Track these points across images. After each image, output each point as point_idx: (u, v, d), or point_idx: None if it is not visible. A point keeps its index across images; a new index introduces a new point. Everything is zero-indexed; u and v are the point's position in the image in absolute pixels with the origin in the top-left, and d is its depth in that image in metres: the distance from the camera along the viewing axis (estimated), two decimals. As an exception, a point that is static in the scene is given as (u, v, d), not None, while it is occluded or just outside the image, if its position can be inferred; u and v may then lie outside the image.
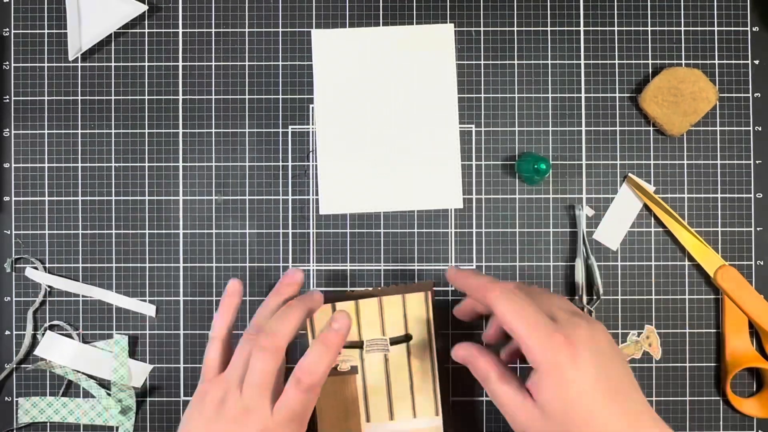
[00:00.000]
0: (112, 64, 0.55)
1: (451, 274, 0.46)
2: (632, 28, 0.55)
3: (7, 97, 0.55)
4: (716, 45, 0.54)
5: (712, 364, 0.54)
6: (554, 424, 0.39)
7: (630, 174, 0.54)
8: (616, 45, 0.55)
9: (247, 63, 0.54)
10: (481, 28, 0.55)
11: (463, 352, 0.44)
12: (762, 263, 0.54)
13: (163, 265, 0.54)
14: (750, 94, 0.54)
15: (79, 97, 0.55)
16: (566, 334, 0.40)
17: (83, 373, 0.53)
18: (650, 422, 0.40)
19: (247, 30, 0.55)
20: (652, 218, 0.54)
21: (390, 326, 0.51)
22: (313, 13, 0.55)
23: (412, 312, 0.51)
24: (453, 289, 0.54)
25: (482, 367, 0.43)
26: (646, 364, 0.54)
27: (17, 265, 0.54)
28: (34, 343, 0.54)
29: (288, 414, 0.43)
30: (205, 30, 0.55)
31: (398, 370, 0.51)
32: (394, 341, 0.51)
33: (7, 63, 0.55)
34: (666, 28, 0.55)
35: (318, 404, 0.51)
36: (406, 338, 0.51)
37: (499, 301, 0.41)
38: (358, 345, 0.51)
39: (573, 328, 0.40)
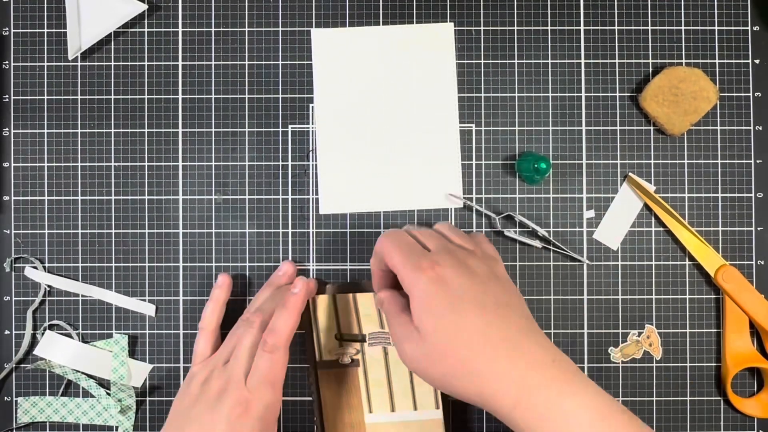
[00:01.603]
0: (112, 63, 0.55)
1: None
2: (632, 28, 0.55)
3: (7, 96, 0.55)
4: (716, 44, 0.54)
5: (713, 364, 0.54)
6: (429, 347, 0.41)
7: (630, 173, 0.54)
8: (616, 45, 0.55)
9: (246, 62, 0.54)
10: (481, 28, 0.55)
11: (379, 296, 0.46)
12: (762, 263, 0.54)
13: (163, 264, 0.54)
14: (750, 94, 0.54)
15: (79, 97, 0.55)
16: (434, 258, 0.42)
17: (83, 373, 0.53)
18: (522, 327, 0.41)
19: (246, 29, 0.55)
20: (653, 218, 0.54)
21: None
22: (313, 12, 0.55)
23: None
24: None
25: (386, 304, 0.45)
26: (646, 364, 0.54)
27: (17, 265, 0.54)
28: (34, 342, 0.54)
29: (259, 377, 0.46)
30: (204, 29, 0.55)
31: (398, 363, 0.52)
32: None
33: (7, 62, 0.55)
34: (666, 28, 0.55)
35: (322, 396, 0.52)
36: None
37: (381, 239, 0.45)
38: (360, 338, 0.52)
39: (443, 254, 0.42)
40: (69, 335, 0.54)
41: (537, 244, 0.53)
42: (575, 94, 0.54)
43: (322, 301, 0.52)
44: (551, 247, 0.54)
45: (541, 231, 0.53)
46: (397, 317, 0.43)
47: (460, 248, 0.44)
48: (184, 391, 0.47)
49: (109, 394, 0.54)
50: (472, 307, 0.41)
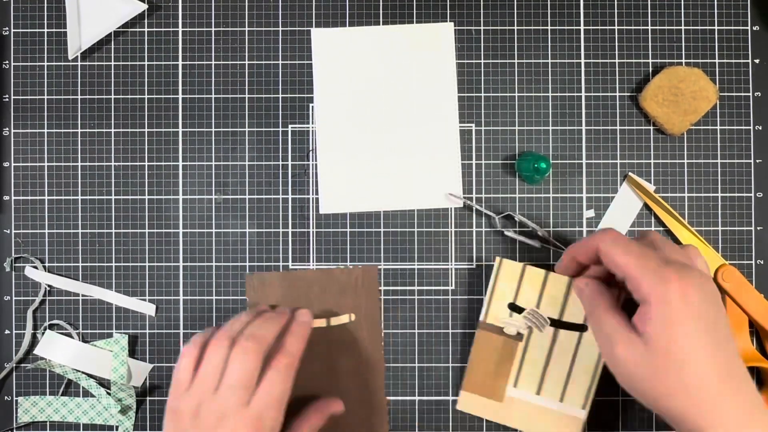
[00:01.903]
0: (112, 63, 0.55)
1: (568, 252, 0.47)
2: (632, 28, 0.55)
3: (7, 96, 0.55)
4: (716, 44, 0.54)
5: (713, 364, 0.54)
6: (654, 358, 0.39)
7: (630, 173, 0.54)
8: (616, 45, 0.55)
9: (246, 62, 0.54)
10: (481, 28, 0.55)
11: (579, 283, 0.46)
12: (762, 262, 0.54)
13: (163, 264, 0.54)
14: (750, 93, 0.54)
15: (79, 96, 0.55)
16: (678, 271, 0.40)
17: (83, 373, 0.53)
18: (741, 364, 0.40)
19: (246, 29, 0.55)
20: (653, 217, 0.54)
21: (570, 311, 0.51)
22: (313, 12, 0.55)
23: None
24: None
25: (590, 295, 0.44)
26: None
27: (17, 264, 0.54)
28: (34, 342, 0.54)
29: (269, 399, 0.44)
30: (204, 29, 0.55)
31: (563, 353, 0.51)
32: (569, 326, 0.51)
33: (7, 62, 0.55)
34: (666, 28, 0.55)
35: (472, 356, 0.52)
36: (581, 328, 0.51)
37: (606, 242, 0.42)
38: (520, 310, 0.52)
39: (685, 270, 0.40)
40: (69, 335, 0.54)
41: (536, 243, 0.53)
42: (575, 94, 0.54)
43: (508, 267, 0.52)
44: (551, 246, 0.54)
45: (541, 231, 0.53)
46: (608, 315, 0.42)
47: (688, 265, 0.42)
48: (172, 421, 0.45)
49: (109, 393, 0.54)
50: (707, 330, 0.39)
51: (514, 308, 0.52)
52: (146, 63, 0.55)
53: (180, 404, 0.45)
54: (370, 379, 0.53)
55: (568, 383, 0.51)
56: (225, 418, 0.43)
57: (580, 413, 0.51)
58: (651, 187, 0.54)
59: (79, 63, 0.55)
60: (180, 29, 0.55)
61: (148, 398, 0.54)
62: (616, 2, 0.55)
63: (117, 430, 0.54)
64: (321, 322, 0.53)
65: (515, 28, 0.55)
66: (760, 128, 0.54)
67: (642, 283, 0.40)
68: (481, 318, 0.52)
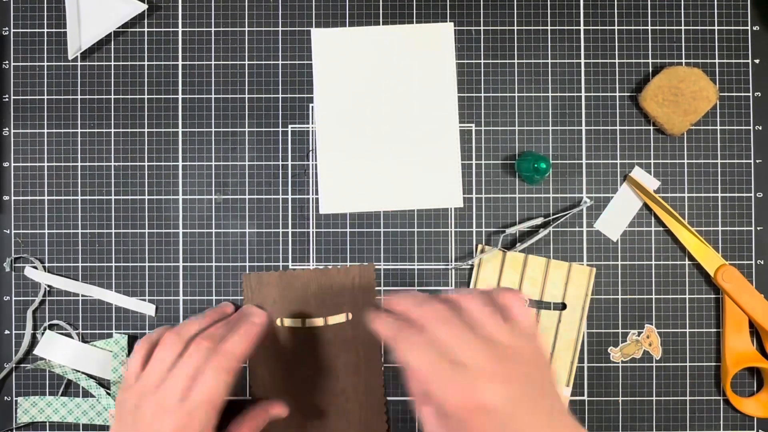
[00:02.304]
0: (112, 63, 0.55)
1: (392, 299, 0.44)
2: (632, 28, 0.55)
3: (7, 96, 0.55)
4: (716, 44, 0.54)
5: (713, 364, 0.54)
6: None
7: (630, 174, 0.54)
8: (616, 45, 0.55)
9: (246, 62, 0.54)
10: (481, 28, 0.55)
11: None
12: (762, 262, 0.54)
13: (163, 264, 0.54)
14: (750, 94, 0.54)
15: (79, 97, 0.55)
16: (474, 390, 0.37)
17: (83, 373, 0.53)
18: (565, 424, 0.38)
19: (246, 29, 0.55)
20: (653, 217, 0.54)
21: (549, 290, 0.53)
22: (313, 12, 0.55)
23: (573, 284, 0.53)
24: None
25: (409, 380, 0.42)
26: (646, 364, 0.54)
27: (17, 265, 0.54)
28: (34, 342, 0.54)
29: (203, 398, 0.44)
30: (204, 29, 0.55)
31: (545, 333, 0.53)
32: (548, 306, 0.53)
33: (7, 62, 0.55)
34: (666, 28, 0.55)
35: None
36: (562, 307, 0.53)
37: (409, 361, 0.39)
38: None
39: (484, 379, 0.38)
40: (69, 335, 0.54)
41: (542, 232, 0.53)
42: (575, 94, 0.54)
43: (489, 253, 0.53)
44: (551, 221, 0.53)
45: (536, 222, 0.53)
46: (424, 401, 0.40)
47: (488, 346, 0.39)
48: (117, 424, 0.45)
49: (109, 394, 0.54)
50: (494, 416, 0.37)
51: None
52: (146, 63, 0.55)
53: (125, 397, 0.46)
54: (368, 378, 0.53)
55: (551, 361, 0.53)
56: (162, 412, 0.44)
57: (565, 390, 0.53)
58: (655, 184, 0.54)
59: (79, 63, 0.55)
60: (180, 29, 0.55)
61: (148, 398, 0.54)
62: (616, 2, 0.55)
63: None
64: (319, 321, 0.53)
65: (515, 28, 0.55)
66: (760, 128, 0.54)
67: (444, 407, 0.38)
68: None
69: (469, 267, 0.54)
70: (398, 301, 0.43)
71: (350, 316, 0.53)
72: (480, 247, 0.53)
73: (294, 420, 0.53)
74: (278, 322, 0.53)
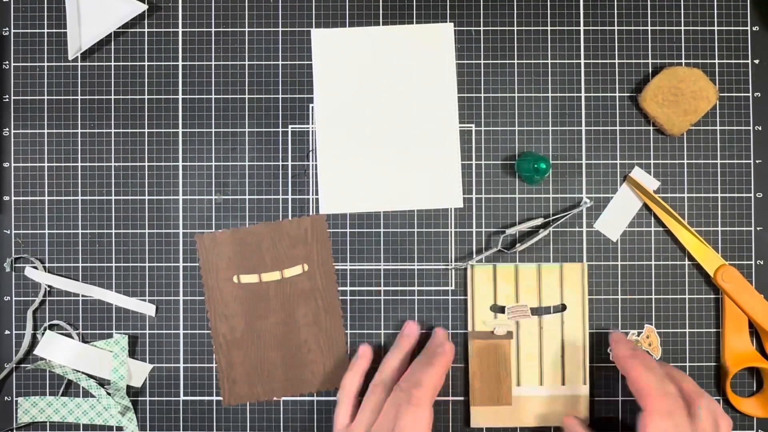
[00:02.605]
0: (112, 63, 0.55)
1: (615, 340, 0.51)
2: (632, 28, 0.55)
3: (7, 96, 0.55)
4: (716, 44, 0.54)
5: (712, 364, 0.54)
6: None
7: (630, 174, 0.54)
8: (616, 45, 0.55)
9: (246, 62, 0.54)
10: (481, 28, 0.55)
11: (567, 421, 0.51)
12: (762, 263, 0.54)
13: (163, 264, 0.54)
14: (750, 94, 0.54)
15: (79, 97, 0.55)
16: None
17: (83, 373, 0.53)
18: None
19: (246, 29, 0.55)
20: (652, 218, 0.54)
21: (546, 294, 0.53)
22: (313, 12, 0.55)
23: (569, 283, 0.53)
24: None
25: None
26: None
27: (17, 265, 0.54)
28: (34, 342, 0.54)
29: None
30: (204, 29, 0.55)
31: (552, 338, 0.53)
32: (548, 310, 0.53)
33: (7, 63, 0.55)
34: (666, 28, 0.55)
35: (472, 369, 0.53)
36: (562, 308, 0.53)
37: (637, 367, 0.47)
38: (502, 309, 0.53)
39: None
40: (69, 335, 0.54)
41: (542, 233, 0.53)
42: (575, 94, 0.54)
43: (480, 271, 0.53)
44: (551, 221, 0.53)
45: (536, 222, 0.53)
46: None
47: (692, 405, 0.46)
48: None
49: (109, 393, 0.54)
50: None
51: (497, 309, 0.53)
52: (146, 63, 0.55)
53: None
54: (329, 328, 0.54)
55: (564, 365, 0.53)
56: None
57: (584, 389, 0.53)
58: (655, 184, 0.54)
59: (79, 63, 0.55)
60: (180, 29, 0.55)
61: (148, 398, 0.54)
62: (616, 2, 0.55)
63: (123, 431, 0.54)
64: (275, 275, 0.53)
65: (515, 28, 0.55)
66: (760, 128, 0.54)
67: (650, 418, 0.45)
68: (469, 329, 0.53)
69: (469, 266, 0.54)
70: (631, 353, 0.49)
71: (306, 267, 0.53)
72: (470, 268, 0.53)
73: (258, 375, 0.53)
74: (234, 279, 0.53)
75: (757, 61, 0.54)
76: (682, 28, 0.55)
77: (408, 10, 0.55)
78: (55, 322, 0.54)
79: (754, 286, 0.54)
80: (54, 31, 0.55)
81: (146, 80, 0.55)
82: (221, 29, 0.55)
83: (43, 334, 0.54)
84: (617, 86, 0.54)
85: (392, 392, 0.47)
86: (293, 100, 0.55)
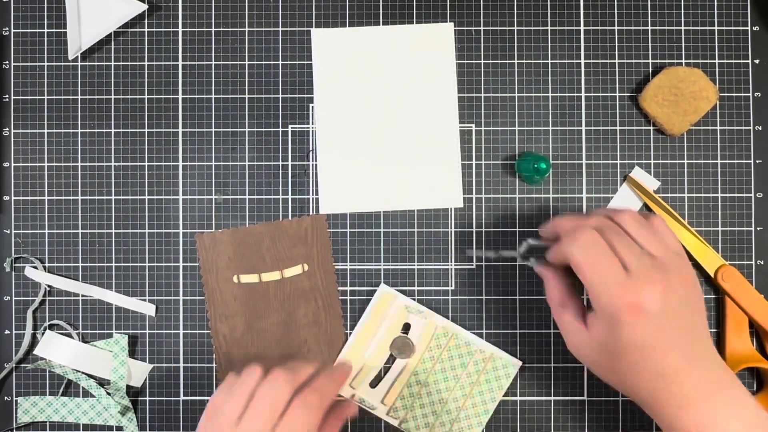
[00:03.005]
0: (112, 63, 0.55)
1: (551, 224, 0.48)
2: (632, 28, 0.55)
3: (7, 96, 0.55)
4: (716, 44, 0.54)
5: (713, 364, 0.54)
6: (605, 357, 0.43)
7: (630, 174, 0.54)
8: (616, 45, 0.55)
9: (246, 62, 0.54)
10: (481, 28, 0.55)
11: (540, 268, 0.48)
12: (762, 263, 0.54)
13: (163, 264, 0.54)
14: (750, 94, 0.54)
15: (79, 97, 0.55)
16: (634, 290, 0.41)
17: (83, 373, 0.53)
18: (713, 369, 0.42)
19: (246, 29, 0.55)
20: (653, 218, 0.54)
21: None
22: (313, 12, 0.55)
23: None
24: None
25: (549, 289, 0.47)
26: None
27: (17, 265, 0.54)
28: (34, 342, 0.54)
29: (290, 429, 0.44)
30: (204, 29, 0.55)
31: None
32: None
33: (7, 62, 0.55)
34: (666, 28, 0.55)
35: None
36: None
37: (576, 252, 0.43)
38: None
39: (645, 283, 0.41)
40: (69, 335, 0.54)
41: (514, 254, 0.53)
42: (575, 94, 0.54)
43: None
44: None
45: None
46: (561, 310, 0.46)
47: (649, 256, 0.43)
48: None
49: (109, 393, 0.54)
50: (659, 329, 0.41)
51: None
52: (146, 63, 0.55)
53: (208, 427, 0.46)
54: (329, 327, 0.54)
55: None
56: None
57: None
58: (655, 184, 0.54)
59: (79, 63, 0.55)
60: (180, 29, 0.55)
61: (148, 398, 0.54)
62: (616, 2, 0.55)
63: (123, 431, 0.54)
64: (275, 275, 0.53)
65: (515, 28, 0.55)
66: (760, 128, 0.54)
67: (598, 300, 0.42)
68: None
69: (473, 268, 0.54)
70: (564, 218, 0.47)
71: (306, 267, 0.53)
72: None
73: None
74: (234, 279, 0.53)
75: (757, 61, 0.54)
76: (682, 28, 0.55)
77: (408, 10, 0.55)
78: (55, 322, 0.54)
79: (755, 286, 0.54)
80: (54, 31, 0.55)
81: (146, 80, 0.55)
82: (221, 29, 0.55)
83: (43, 333, 0.54)
84: (617, 86, 0.54)
85: (276, 389, 0.45)
86: (293, 100, 0.55)
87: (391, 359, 0.53)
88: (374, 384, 0.53)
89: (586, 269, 0.42)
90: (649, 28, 0.55)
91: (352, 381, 0.53)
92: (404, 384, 0.53)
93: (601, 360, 0.43)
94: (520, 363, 0.53)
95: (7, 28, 0.55)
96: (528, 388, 0.54)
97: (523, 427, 0.54)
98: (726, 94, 0.54)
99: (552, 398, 0.54)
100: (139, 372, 0.54)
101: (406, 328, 0.53)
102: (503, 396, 0.53)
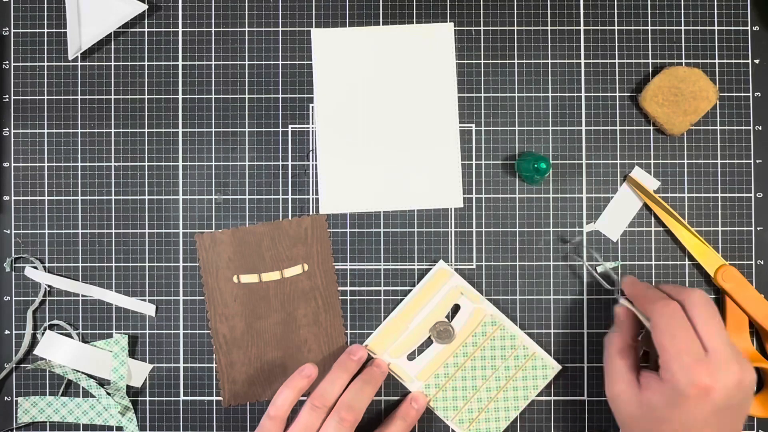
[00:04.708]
0: (112, 63, 0.55)
1: (628, 283, 0.49)
2: (632, 28, 0.55)
3: (7, 96, 0.55)
4: (716, 44, 0.54)
5: (713, 364, 0.54)
6: (647, 417, 0.44)
7: (630, 174, 0.54)
8: (616, 45, 0.55)
9: (246, 62, 0.54)
10: (481, 28, 0.55)
11: (621, 310, 0.49)
12: (762, 263, 0.54)
13: (163, 264, 0.54)
14: (750, 94, 0.54)
15: (79, 97, 0.55)
16: (711, 372, 0.42)
17: (83, 373, 0.53)
18: None
19: (246, 29, 0.55)
20: (653, 217, 0.54)
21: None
22: (313, 12, 0.55)
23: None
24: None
25: (616, 333, 0.48)
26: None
27: (17, 265, 0.54)
28: (34, 342, 0.54)
29: None
30: (204, 29, 0.55)
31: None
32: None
33: (7, 62, 0.55)
34: (666, 28, 0.55)
35: None
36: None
37: (659, 317, 0.44)
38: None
39: (721, 370, 0.42)
40: (69, 335, 0.54)
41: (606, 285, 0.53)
42: (575, 94, 0.54)
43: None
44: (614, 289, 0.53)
45: (607, 267, 0.53)
46: (618, 355, 0.47)
47: (731, 356, 0.43)
48: None
49: (109, 394, 0.54)
50: (713, 414, 0.42)
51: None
52: (146, 63, 0.55)
53: None
54: (329, 327, 0.54)
55: None
56: None
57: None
58: (655, 184, 0.54)
59: (79, 63, 0.55)
60: (180, 29, 0.55)
61: (148, 398, 0.54)
62: (616, 2, 0.55)
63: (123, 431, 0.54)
64: (275, 275, 0.53)
65: (515, 28, 0.55)
66: (760, 128, 0.54)
67: (670, 368, 0.43)
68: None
69: (473, 268, 0.54)
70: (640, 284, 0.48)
71: (306, 267, 0.53)
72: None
73: (258, 375, 0.53)
74: (234, 279, 0.53)
75: (757, 61, 0.54)
76: (682, 28, 0.55)
77: (408, 10, 0.55)
78: (55, 322, 0.54)
79: (755, 286, 0.54)
80: (54, 31, 0.55)
81: (146, 80, 0.55)
82: (221, 29, 0.55)
83: (43, 334, 0.54)
84: (617, 86, 0.54)
85: (330, 417, 0.49)
86: (293, 100, 0.55)
87: (428, 341, 0.53)
88: (411, 357, 0.53)
89: (666, 334, 0.43)
90: (649, 28, 0.55)
91: (391, 350, 0.53)
92: (441, 363, 0.53)
93: (641, 417, 0.44)
94: (560, 367, 0.53)
95: (7, 28, 0.55)
96: (528, 388, 0.54)
97: (522, 427, 0.54)
98: (726, 94, 0.54)
99: (552, 398, 0.54)
100: (139, 372, 0.54)
101: (455, 309, 0.53)
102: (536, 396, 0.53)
